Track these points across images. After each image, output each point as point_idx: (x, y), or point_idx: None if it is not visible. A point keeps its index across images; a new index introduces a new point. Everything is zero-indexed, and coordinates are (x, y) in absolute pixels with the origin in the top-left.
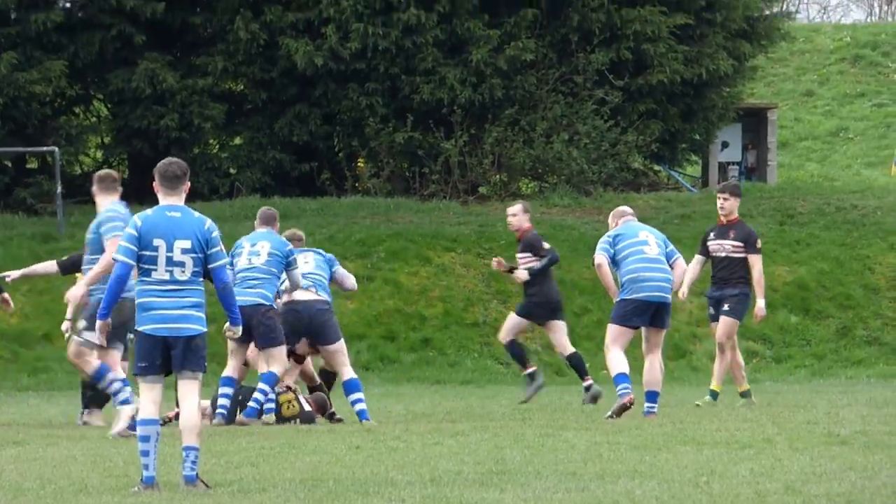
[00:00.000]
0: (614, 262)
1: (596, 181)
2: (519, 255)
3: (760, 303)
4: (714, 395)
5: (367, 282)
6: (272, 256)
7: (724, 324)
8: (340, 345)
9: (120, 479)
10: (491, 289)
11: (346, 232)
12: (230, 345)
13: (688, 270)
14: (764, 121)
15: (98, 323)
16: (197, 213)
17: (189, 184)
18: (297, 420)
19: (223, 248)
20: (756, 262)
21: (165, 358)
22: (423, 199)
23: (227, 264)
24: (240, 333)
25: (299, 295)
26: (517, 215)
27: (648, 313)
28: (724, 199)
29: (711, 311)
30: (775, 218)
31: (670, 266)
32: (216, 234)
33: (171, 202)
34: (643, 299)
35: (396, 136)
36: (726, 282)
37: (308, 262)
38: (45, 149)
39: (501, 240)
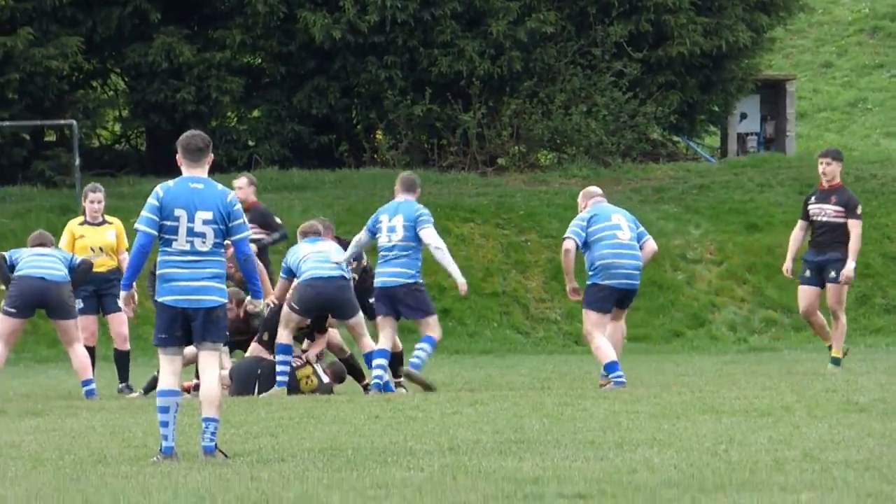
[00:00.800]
0: (585, 245)
1: (615, 152)
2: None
3: (850, 265)
4: (836, 361)
5: None
6: (407, 230)
7: (834, 290)
8: (359, 317)
9: (139, 450)
10: (510, 259)
11: (364, 203)
12: (380, 320)
13: (792, 239)
14: (782, 92)
15: (122, 294)
16: (220, 186)
17: (212, 156)
18: (317, 393)
19: (245, 220)
20: (855, 228)
21: (185, 329)
22: (441, 170)
23: (249, 238)
24: (261, 307)
25: (322, 271)
26: (242, 188)
27: (617, 298)
28: (827, 163)
29: (808, 273)
30: (794, 188)
31: (641, 247)
32: (238, 206)
33: (194, 174)
34: (614, 286)
35: (415, 108)
36: (828, 246)
37: (326, 247)
38: (63, 122)
39: (520, 210)
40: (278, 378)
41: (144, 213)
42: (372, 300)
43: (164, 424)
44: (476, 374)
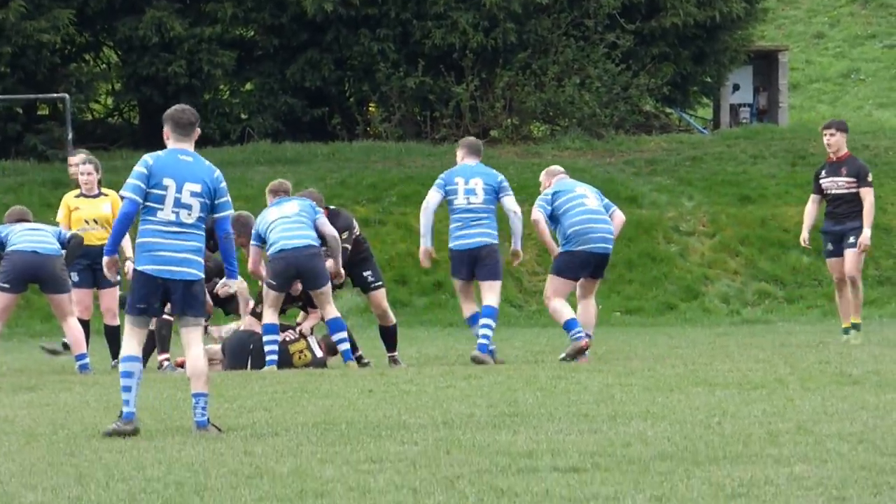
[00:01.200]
0: (552, 219)
1: (608, 124)
2: None
3: (867, 231)
4: (857, 326)
5: (379, 226)
6: (488, 193)
7: (852, 257)
8: (327, 288)
9: None
10: (503, 232)
11: (357, 176)
12: (461, 286)
13: (806, 213)
14: (775, 63)
15: (105, 259)
16: (207, 162)
17: (199, 131)
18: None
19: (230, 199)
20: (868, 195)
21: (161, 302)
22: (434, 142)
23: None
24: (234, 288)
25: (290, 241)
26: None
27: (592, 265)
28: (831, 134)
29: (830, 247)
30: (787, 159)
31: (610, 217)
32: (224, 184)
33: (181, 147)
34: (589, 251)
35: (408, 80)
36: (845, 216)
37: (293, 208)
38: (55, 95)
39: (514, 182)
40: (268, 358)
41: (132, 180)
42: (367, 273)
43: (127, 389)
44: (469, 348)
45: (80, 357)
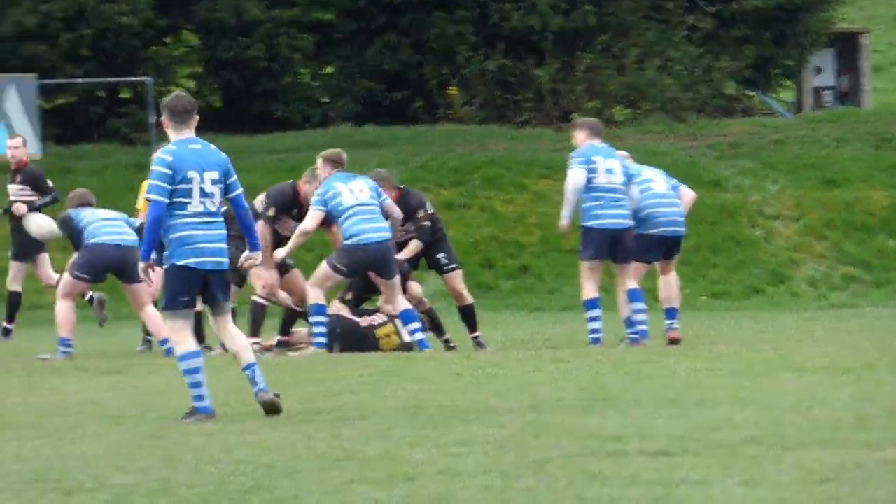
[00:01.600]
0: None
1: (689, 107)
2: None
3: None
4: None
5: (464, 209)
6: (625, 175)
7: None
8: (398, 280)
9: (222, 408)
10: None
11: (440, 160)
12: (593, 266)
13: None
14: (856, 46)
15: (141, 265)
16: (212, 146)
17: (197, 118)
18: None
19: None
20: None
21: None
22: (516, 126)
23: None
24: (259, 260)
25: (374, 235)
26: (18, 148)
27: (665, 247)
28: None
29: None
30: (870, 142)
31: (680, 197)
32: (230, 164)
33: (186, 136)
34: (661, 234)
35: (487, 63)
36: None
37: (363, 189)
38: (136, 79)
39: None
40: (315, 340)
41: (156, 182)
42: (441, 255)
43: (197, 385)
44: (556, 331)
45: (165, 342)
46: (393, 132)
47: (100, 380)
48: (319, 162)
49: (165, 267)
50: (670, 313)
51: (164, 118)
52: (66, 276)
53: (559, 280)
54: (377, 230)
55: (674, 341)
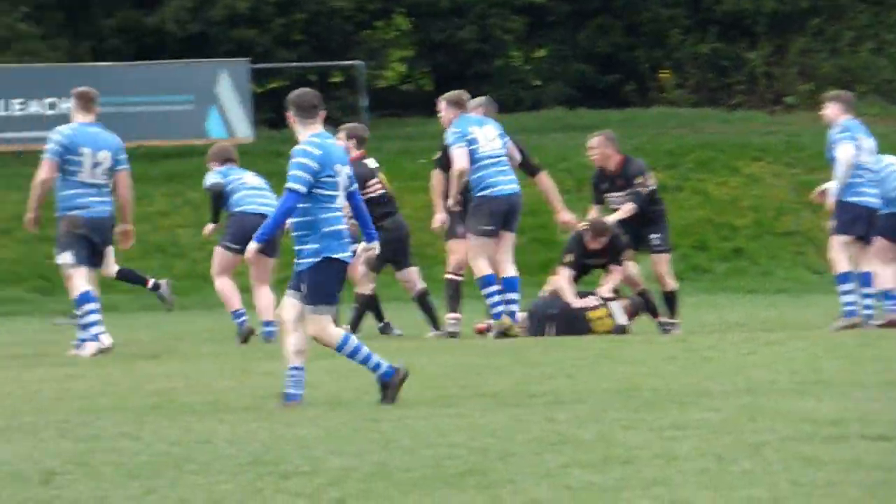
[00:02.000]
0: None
1: None
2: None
3: None
4: None
5: (676, 192)
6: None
7: None
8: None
9: (437, 391)
10: (802, 198)
11: (653, 143)
12: (845, 240)
13: None
14: None
15: (254, 245)
16: (334, 139)
17: (324, 112)
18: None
19: None
20: None
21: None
22: (728, 109)
23: None
24: (378, 250)
25: (511, 186)
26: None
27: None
28: None
29: None
30: None
31: None
32: None
33: (316, 130)
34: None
35: (700, 46)
36: None
37: (494, 138)
38: (349, 63)
39: (810, 149)
40: (493, 310)
41: (301, 173)
42: (655, 235)
43: (368, 358)
44: (771, 314)
45: (268, 324)
46: (605, 115)
47: (317, 363)
48: (443, 105)
49: (273, 257)
50: (889, 296)
51: (290, 113)
52: (218, 250)
53: (773, 262)
54: (511, 182)
55: (892, 324)
